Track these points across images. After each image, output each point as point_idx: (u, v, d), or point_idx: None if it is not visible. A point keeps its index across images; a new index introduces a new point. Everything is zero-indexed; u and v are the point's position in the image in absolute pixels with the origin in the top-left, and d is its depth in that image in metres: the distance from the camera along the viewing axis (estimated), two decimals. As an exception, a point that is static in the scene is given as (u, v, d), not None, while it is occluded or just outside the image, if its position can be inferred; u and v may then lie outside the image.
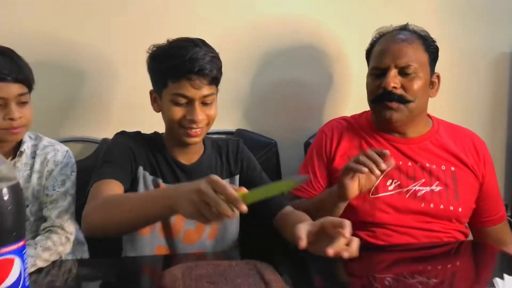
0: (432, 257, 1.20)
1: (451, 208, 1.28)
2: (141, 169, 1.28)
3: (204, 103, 1.23)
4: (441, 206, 1.28)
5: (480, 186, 1.34)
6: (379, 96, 1.29)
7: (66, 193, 1.29)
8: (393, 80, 1.26)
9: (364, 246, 1.25)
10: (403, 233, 1.27)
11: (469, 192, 1.32)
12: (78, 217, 1.50)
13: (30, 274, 1.07)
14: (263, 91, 1.71)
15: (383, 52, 1.30)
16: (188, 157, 1.32)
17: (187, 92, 1.20)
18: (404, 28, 1.33)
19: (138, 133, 1.35)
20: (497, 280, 0.86)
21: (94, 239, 1.36)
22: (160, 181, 1.29)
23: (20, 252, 0.65)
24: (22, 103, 1.24)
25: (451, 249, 1.27)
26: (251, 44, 1.68)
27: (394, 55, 1.27)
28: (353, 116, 1.44)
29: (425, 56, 1.28)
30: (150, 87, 1.29)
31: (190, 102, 1.22)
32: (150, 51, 1.27)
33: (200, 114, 1.22)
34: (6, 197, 0.63)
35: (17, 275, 0.64)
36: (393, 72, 1.27)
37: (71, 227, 1.25)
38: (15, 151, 1.29)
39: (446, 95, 1.58)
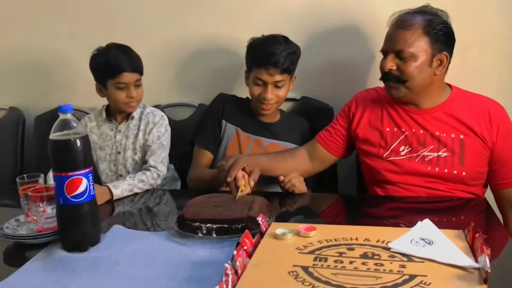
0: (424, 208, 1.37)
1: (455, 172, 1.39)
2: (223, 121, 1.73)
3: (276, 86, 1.63)
4: (445, 170, 1.39)
5: (491, 152, 1.41)
6: (382, 75, 1.43)
7: (160, 145, 1.72)
8: (389, 64, 1.39)
9: (377, 196, 1.48)
10: (410, 191, 1.43)
11: (476, 158, 1.40)
12: (179, 161, 1.97)
13: (129, 196, 1.55)
14: (323, 65, 1.92)
15: (386, 37, 1.43)
16: (266, 119, 1.72)
17: (263, 77, 1.62)
18: (414, 11, 1.41)
19: (232, 96, 1.81)
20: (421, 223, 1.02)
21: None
22: (239, 129, 1.72)
23: (86, 175, 1.06)
24: (137, 86, 1.71)
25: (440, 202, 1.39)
26: (311, 24, 1.90)
27: (392, 41, 1.40)
28: (383, 88, 1.56)
29: (424, 39, 1.36)
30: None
31: (265, 84, 1.62)
32: (248, 42, 1.69)
33: (271, 94, 1.63)
34: (78, 143, 1.05)
35: (84, 187, 1.06)
36: (390, 56, 1.40)
37: (162, 167, 1.68)
38: (128, 116, 1.76)
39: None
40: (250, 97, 1.72)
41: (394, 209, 1.39)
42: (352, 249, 0.92)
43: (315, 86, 1.93)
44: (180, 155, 1.92)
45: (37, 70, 2.17)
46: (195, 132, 1.78)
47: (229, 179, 1.35)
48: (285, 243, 0.96)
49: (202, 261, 1.00)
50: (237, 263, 0.82)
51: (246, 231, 0.96)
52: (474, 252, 0.88)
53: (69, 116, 1.07)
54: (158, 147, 1.71)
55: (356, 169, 1.78)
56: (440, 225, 0.99)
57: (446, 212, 1.34)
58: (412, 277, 0.80)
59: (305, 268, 0.84)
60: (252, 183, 1.36)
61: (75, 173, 1.05)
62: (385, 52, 1.43)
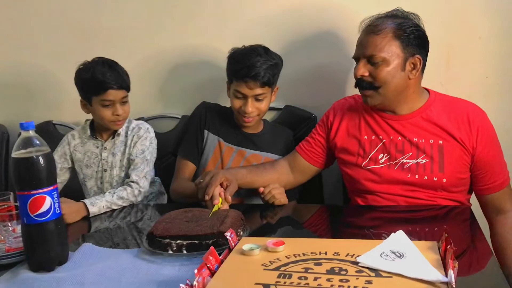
0: (405, 218, 1.33)
1: (435, 179, 1.34)
2: (205, 131, 1.70)
3: (257, 99, 1.59)
4: (425, 177, 1.35)
5: (471, 157, 1.36)
6: (356, 83, 1.40)
7: (144, 159, 1.69)
8: (360, 70, 1.36)
9: (358, 206, 1.44)
10: (390, 200, 1.39)
11: (456, 163, 1.35)
12: (164, 173, 1.94)
13: (107, 212, 1.51)
14: (306, 73, 1.88)
15: (357, 43, 1.39)
16: (249, 130, 1.68)
17: (243, 90, 1.58)
18: (385, 15, 1.38)
19: (215, 104, 1.77)
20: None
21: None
22: (221, 139, 1.69)
23: (50, 193, 1.03)
24: (123, 103, 1.66)
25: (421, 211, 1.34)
26: (294, 32, 1.87)
27: (363, 46, 1.36)
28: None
29: (395, 43, 1.33)
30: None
31: (245, 97, 1.58)
32: (229, 52, 1.64)
33: (251, 107, 1.59)
34: (41, 160, 1.02)
35: (48, 206, 1.03)
36: (362, 62, 1.36)
37: (145, 183, 1.64)
38: (113, 132, 1.72)
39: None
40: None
41: (374, 219, 1.35)
42: (320, 264, 0.88)
43: (298, 95, 1.90)
44: (164, 167, 1.89)
45: (22, 87, 2.15)
46: (177, 143, 1.75)
47: (206, 198, 1.31)
48: (251, 259, 0.92)
49: (168, 280, 0.96)
50: (195, 283, 0.78)
51: (211, 248, 0.92)
52: (445, 265, 0.83)
53: (31, 133, 1.04)
54: (141, 162, 1.68)
55: (341, 178, 1.74)
56: (420, 235, 0.96)
57: (427, 221, 1.29)
58: (377, 293, 0.76)
59: (266, 286, 0.80)
60: (229, 198, 1.32)
61: (38, 191, 1.01)
62: (357, 58, 1.40)
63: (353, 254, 0.90)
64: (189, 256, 1.05)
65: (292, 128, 1.78)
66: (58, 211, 1.05)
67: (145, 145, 1.71)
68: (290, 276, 0.83)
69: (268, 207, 1.43)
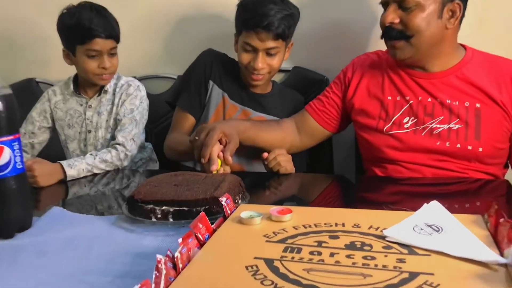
0: (431, 192, 1.14)
1: (469, 147, 1.17)
2: (211, 82, 1.50)
3: (268, 54, 1.39)
4: (458, 145, 1.17)
5: None
6: (383, 32, 1.21)
7: (132, 119, 1.51)
8: (390, 16, 1.17)
9: (376, 177, 1.27)
10: (414, 171, 1.21)
11: (494, 131, 1.18)
12: (156, 139, 1.78)
13: (90, 175, 1.35)
14: (318, 30, 1.69)
15: None
16: (256, 89, 1.50)
17: (253, 43, 1.38)
18: None
19: (223, 54, 1.57)
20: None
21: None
22: (226, 95, 1.50)
23: (10, 144, 0.86)
24: (111, 55, 1.49)
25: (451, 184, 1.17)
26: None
27: None
28: (387, 51, 1.35)
29: None
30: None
31: (255, 51, 1.39)
32: (238, 0, 1.43)
33: (262, 62, 1.39)
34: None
35: (7, 159, 0.86)
36: (392, 7, 1.18)
37: (132, 146, 1.47)
38: (100, 89, 1.55)
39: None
40: None
41: (395, 193, 1.17)
42: (336, 237, 0.71)
43: (309, 55, 1.71)
44: (156, 133, 1.72)
45: (5, 40, 1.98)
46: (176, 92, 1.56)
47: (202, 161, 1.13)
48: (251, 228, 0.75)
49: (148, 252, 0.79)
50: (177, 254, 0.62)
51: (202, 213, 0.75)
52: (498, 243, 0.66)
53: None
54: (129, 122, 1.51)
55: (355, 147, 1.56)
56: (451, 211, 0.78)
57: (458, 196, 1.11)
58: (413, 275, 0.59)
59: (269, 262, 0.63)
60: (229, 159, 1.14)
61: (-5, 140, 0.84)
62: (385, 3, 1.21)
63: (378, 227, 0.73)
64: (176, 224, 0.88)
65: (301, 92, 1.60)
66: (20, 166, 0.88)
67: (134, 104, 1.53)
68: (299, 251, 0.66)
69: (271, 176, 1.25)
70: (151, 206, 0.91)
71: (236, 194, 0.96)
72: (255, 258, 0.64)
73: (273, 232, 0.72)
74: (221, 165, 1.12)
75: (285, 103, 1.53)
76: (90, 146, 1.56)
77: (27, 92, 1.84)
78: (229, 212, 0.82)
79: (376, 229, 0.73)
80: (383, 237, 0.70)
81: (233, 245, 0.69)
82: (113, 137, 1.51)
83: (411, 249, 0.66)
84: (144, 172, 1.51)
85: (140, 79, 1.78)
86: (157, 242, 0.83)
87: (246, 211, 0.79)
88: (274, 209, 0.79)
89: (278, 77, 1.71)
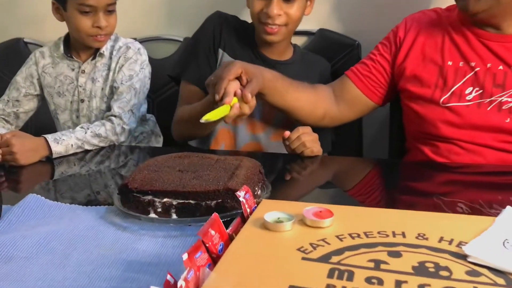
0: (497, 183, 0.95)
1: (547, 129, 0.97)
2: (220, 51, 1.30)
3: (285, 0, 1.19)
4: (533, 125, 0.98)
5: None
6: None
7: (131, 87, 1.33)
8: None
9: (425, 163, 1.08)
10: (474, 152, 1.03)
11: None
12: (158, 110, 1.59)
13: (77, 154, 1.17)
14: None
15: None
16: (274, 54, 1.29)
17: None
18: None
19: (234, 17, 1.36)
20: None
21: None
22: None
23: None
24: (109, 12, 1.29)
25: None
26: None
27: None
28: (447, 8, 1.16)
29: None
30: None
31: None
32: None
33: (277, 8, 1.17)
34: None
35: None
36: None
37: (131, 118, 1.29)
38: (95, 52, 1.36)
39: None
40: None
41: (447, 183, 0.99)
42: (397, 254, 0.53)
43: (337, 15, 1.51)
44: (159, 103, 1.54)
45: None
46: (181, 64, 1.35)
47: (216, 97, 0.93)
48: (280, 237, 0.57)
49: (143, 262, 0.62)
50: (181, 283, 0.44)
51: (214, 216, 0.57)
52: None
53: None
54: (128, 91, 1.32)
55: (389, 123, 1.36)
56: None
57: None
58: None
59: (311, 295, 0.45)
60: (248, 96, 0.95)
61: None
62: None
63: (451, 239, 0.55)
64: (180, 223, 0.71)
65: (328, 58, 1.39)
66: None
67: (134, 70, 1.34)
68: (350, 276, 0.48)
69: (293, 158, 1.07)
70: (149, 197, 0.73)
71: (255, 184, 0.78)
72: (290, 287, 0.46)
73: (311, 245, 0.55)
74: (235, 104, 0.94)
75: (309, 71, 1.32)
76: (83, 118, 1.38)
77: (14, 54, 1.65)
78: (248, 211, 0.64)
79: (450, 242, 0.55)
80: (463, 256, 0.52)
81: (257, 264, 0.51)
82: (109, 108, 1.33)
83: (508, 277, 0.48)
84: (145, 148, 1.33)
85: (141, 41, 1.57)
86: (156, 247, 0.66)
87: (271, 211, 0.61)
88: (309, 210, 0.61)
89: (300, 41, 1.51)
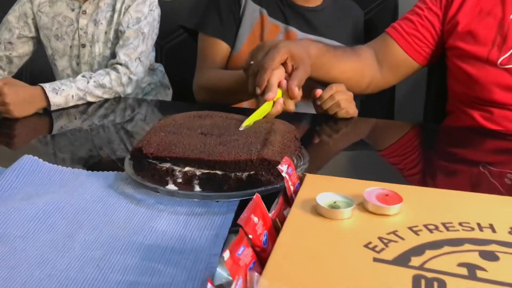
0: None
1: None
2: None
3: None
4: None
5: None
6: None
7: (139, 32, 1.19)
8: None
9: (473, 129, 0.97)
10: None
11: None
12: (167, 59, 1.46)
13: (78, 106, 1.05)
14: None
15: None
16: (303, 1, 1.16)
17: None
18: None
19: None
20: None
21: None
22: (264, 11, 1.15)
23: None
24: None
25: None
26: None
27: None
28: None
29: None
30: None
31: None
32: None
33: None
34: None
35: None
36: None
37: (138, 68, 1.17)
38: None
39: None
40: None
41: (500, 152, 0.88)
42: (493, 256, 0.42)
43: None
44: (168, 50, 1.40)
45: None
46: (199, 14, 1.20)
47: (257, 91, 0.80)
48: (339, 228, 0.46)
49: (167, 246, 0.52)
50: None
51: (256, 197, 0.46)
52: None
53: None
54: (135, 36, 1.19)
55: (425, 85, 1.24)
56: None
57: None
58: None
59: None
60: (295, 90, 0.80)
61: None
62: None
63: (555, 237, 0.45)
64: (206, 199, 0.60)
65: (359, 5, 1.24)
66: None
67: (142, 12, 1.20)
68: (442, 286, 0.38)
69: (325, 120, 0.95)
70: (167, 165, 0.62)
71: (292, 153, 0.67)
72: (368, 301, 0.36)
73: (380, 240, 0.44)
74: (281, 96, 0.80)
75: (341, 19, 1.19)
76: (85, 65, 1.25)
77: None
78: (292, 189, 0.53)
79: (554, 240, 0.44)
80: None
81: (317, 266, 0.40)
82: (114, 55, 1.20)
83: None
84: (154, 102, 1.21)
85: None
86: (177, 227, 0.55)
87: (323, 192, 0.50)
88: (370, 192, 0.50)
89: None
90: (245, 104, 1.13)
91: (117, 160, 0.76)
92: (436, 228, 0.46)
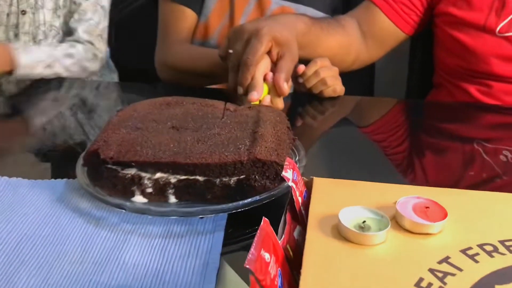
0: None
1: None
2: None
3: None
4: None
5: None
6: None
7: (97, 5, 1.04)
8: None
9: (470, 104, 0.89)
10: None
11: None
12: (113, 35, 1.30)
13: (38, 81, 0.89)
14: None
15: None
16: None
17: None
18: None
19: None
20: None
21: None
22: None
23: None
24: None
25: None
26: None
27: None
28: None
29: None
30: None
31: None
32: None
33: None
34: None
35: None
36: None
37: (102, 45, 1.03)
38: None
39: None
40: None
41: (496, 127, 0.80)
42: None
43: None
44: (117, 23, 1.23)
45: None
46: None
47: (240, 91, 0.68)
48: (374, 257, 0.35)
49: (138, 285, 0.40)
50: None
51: (264, 222, 0.34)
52: None
53: None
54: (94, 10, 1.03)
55: (408, 57, 1.14)
56: None
57: None
58: None
59: None
60: (284, 86, 0.68)
61: None
62: None
63: None
64: (187, 215, 0.48)
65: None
66: None
67: None
68: None
69: (308, 99, 0.84)
70: (133, 171, 0.49)
71: (288, 149, 0.55)
72: None
73: (432, 272, 0.33)
74: (268, 93, 0.69)
75: None
76: (25, 36, 1.07)
77: None
78: (300, 201, 0.42)
79: None
80: None
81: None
82: (64, 27, 1.04)
83: None
84: (105, 84, 1.06)
85: None
86: (153, 256, 0.43)
87: (346, 208, 0.39)
88: (404, 202, 0.39)
89: None
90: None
91: (67, 162, 0.62)
92: (496, 249, 0.36)
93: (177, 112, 0.59)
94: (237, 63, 0.69)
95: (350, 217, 0.38)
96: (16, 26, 1.09)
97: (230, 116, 0.58)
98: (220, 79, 0.88)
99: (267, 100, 0.68)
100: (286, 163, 0.43)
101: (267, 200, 0.47)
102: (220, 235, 0.45)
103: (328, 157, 0.69)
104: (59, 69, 0.95)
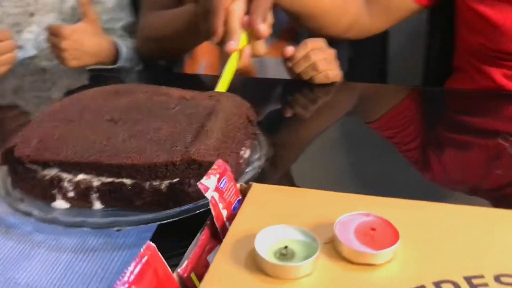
0: None
1: None
2: None
3: None
4: None
5: None
6: None
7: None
8: None
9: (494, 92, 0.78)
10: None
11: None
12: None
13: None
14: None
15: None
16: None
17: None
18: None
19: None
20: None
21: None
22: None
23: None
24: None
25: None
26: None
27: None
28: None
29: None
30: None
31: None
32: None
33: None
34: None
35: None
36: None
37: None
38: None
39: None
40: None
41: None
42: None
43: None
44: None
45: None
46: None
47: (215, 40, 0.60)
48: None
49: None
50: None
51: (146, 248, 0.28)
52: None
53: None
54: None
55: (426, 37, 1.03)
56: None
57: None
58: None
59: None
60: (261, 27, 0.59)
61: None
62: None
63: None
64: (109, 226, 0.41)
65: None
66: None
67: None
68: None
69: (298, 86, 0.76)
70: (53, 172, 0.43)
71: (239, 146, 0.48)
72: None
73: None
74: (248, 42, 0.61)
75: None
76: (28, 34, 1.01)
77: None
78: (224, 215, 0.34)
79: None
80: None
81: None
82: None
83: None
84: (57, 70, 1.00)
85: None
86: (51, 278, 0.37)
87: (265, 229, 0.31)
88: (346, 220, 0.31)
89: None
90: (201, 64, 0.93)
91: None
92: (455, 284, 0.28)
93: (123, 102, 0.52)
94: (205, 8, 0.60)
95: (271, 240, 0.30)
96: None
97: (183, 106, 0.51)
98: (196, 37, 0.77)
99: (246, 51, 0.60)
100: (214, 166, 0.36)
101: (203, 209, 0.40)
102: (138, 251, 0.38)
103: (318, 158, 0.60)
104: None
